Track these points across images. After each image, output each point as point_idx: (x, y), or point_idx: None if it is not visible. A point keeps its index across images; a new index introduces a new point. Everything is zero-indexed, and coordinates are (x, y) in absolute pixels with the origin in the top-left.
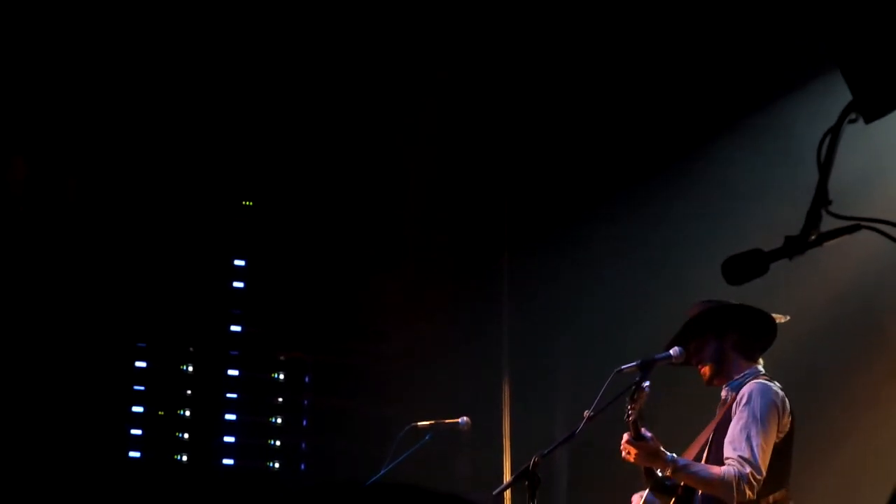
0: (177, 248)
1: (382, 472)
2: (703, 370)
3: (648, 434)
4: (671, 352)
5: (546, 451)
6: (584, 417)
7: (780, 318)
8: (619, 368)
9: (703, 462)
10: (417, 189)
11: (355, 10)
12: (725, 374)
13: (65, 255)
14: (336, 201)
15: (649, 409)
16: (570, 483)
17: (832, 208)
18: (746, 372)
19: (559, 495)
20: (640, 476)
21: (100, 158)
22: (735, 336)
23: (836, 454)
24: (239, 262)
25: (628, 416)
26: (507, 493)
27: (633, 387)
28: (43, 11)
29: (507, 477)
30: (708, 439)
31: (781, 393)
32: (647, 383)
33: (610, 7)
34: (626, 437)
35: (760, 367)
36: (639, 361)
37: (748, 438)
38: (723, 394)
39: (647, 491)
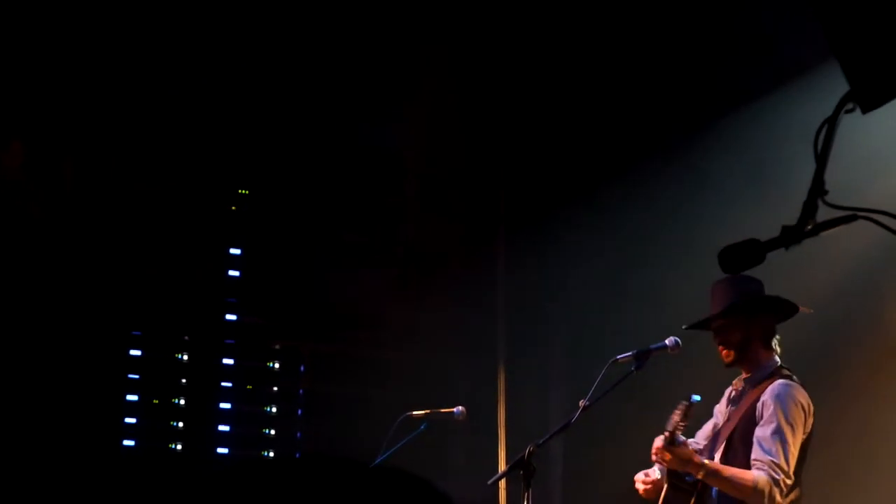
0: (172, 237)
1: (378, 461)
2: (724, 351)
3: (682, 438)
4: (666, 342)
5: (541, 441)
6: (579, 407)
7: (805, 310)
8: (614, 358)
9: (720, 455)
10: (412, 175)
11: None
12: (747, 361)
13: (60, 243)
14: (331, 189)
15: (636, 399)
16: (565, 472)
17: (829, 198)
18: (766, 364)
19: (554, 485)
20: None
21: (97, 147)
22: (763, 326)
23: (831, 447)
24: (234, 251)
25: (674, 429)
26: (503, 483)
27: (687, 403)
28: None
29: (503, 466)
30: (729, 437)
31: (807, 394)
32: (697, 398)
33: None
34: (658, 441)
35: (778, 359)
36: (635, 351)
37: (781, 443)
38: (738, 384)
39: (664, 486)
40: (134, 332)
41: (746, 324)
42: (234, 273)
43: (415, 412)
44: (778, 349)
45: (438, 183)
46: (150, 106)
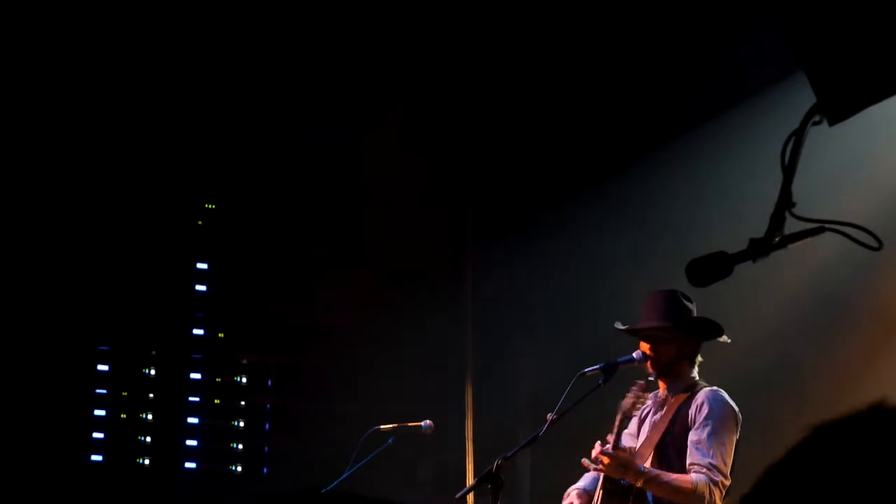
0: (139, 252)
1: (344, 475)
2: (651, 361)
3: (623, 444)
4: (634, 355)
5: (509, 454)
6: (547, 420)
7: (724, 339)
8: (582, 371)
9: (649, 464)
10: (377, 187)
11: (313, 8)
12: (672, 375)
13: (27, 257)
14: (298, 203)
15: (604, 411)
16: (533, 486)
17: (796, 210)
18: (688, 378)
19: (522, 498)
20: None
21: (64, 160)
22: (694, 346)
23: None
24: (201, 266)
25: (626, 410)
26: (471, 496)
27: (644, 382)
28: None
29: (471, 480)
30: (660, 444)
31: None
32: (652, 378)
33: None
34: (598, 445)
35: (696, 374)
36: (602, 364)
37: (717, 446)
38: (661, 393)
39: (599, 491)
40: (101, 347)
41: (681, 342)
42: (200, 287)
43: (382, 426)
44: (697, 369)
45: (406, 195)
46: (116, 119)
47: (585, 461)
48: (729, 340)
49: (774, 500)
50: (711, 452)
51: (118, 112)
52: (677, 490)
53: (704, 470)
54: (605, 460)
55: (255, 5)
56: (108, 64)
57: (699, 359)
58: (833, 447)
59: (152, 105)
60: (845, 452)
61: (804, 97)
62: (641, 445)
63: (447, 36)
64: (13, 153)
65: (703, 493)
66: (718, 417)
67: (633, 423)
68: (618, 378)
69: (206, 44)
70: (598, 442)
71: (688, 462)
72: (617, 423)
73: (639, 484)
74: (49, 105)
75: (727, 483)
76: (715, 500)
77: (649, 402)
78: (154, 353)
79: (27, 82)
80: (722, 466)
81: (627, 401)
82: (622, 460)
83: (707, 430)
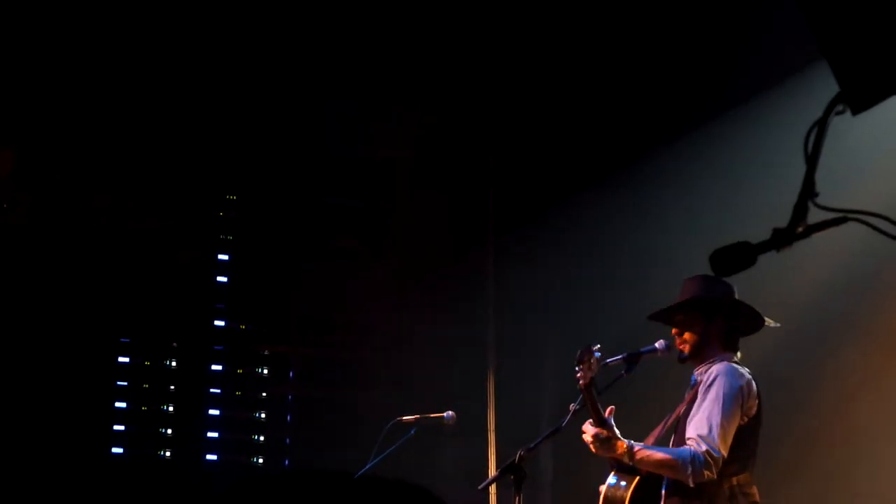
0: (160, 243)
1: (367, 466)
2: (681, 346)
3: (610, 422)
4: (657, 345)
5: (532, 445)
6: (569, 411)
7: (770, 323)
8: (605, 362)
9: (670, 444)
10: (402, 181)
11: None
12: (702, 357)
13: (49, 251)
14: (319, 195)
15: (627, 401)
16: (555, 476)
17: (819, 200)
18: (720, 358)
19: (545, 489)
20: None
21: (86, 154)
22: (722, 325)
23: (814, 454)
24: (223, 257)
25: (579, 383)
26: (493, 487)
27: (581, 351)
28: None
29: (493, 471)
30: (675, 421)
31: (748, 376)
32: (597, 345)
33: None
34: (587, 424)
35: (736, 357)
36: (624, 354)
37: (708, 417)
38: (694, 376)
39: (611, 474)
40: (122, 339)
41: (704, 322)
42: (222, 279)
43: (404, 417)
44: (739, 353)
45: (427, 189)
46: (139, 114)
47: (582, 435)
48: (776, 324)
49: None
50: (702, 424)
51: (139, 105)
52: (661, 463)
53: (692, 442)
54: (587, 439)
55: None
56: (129, 57)
57: (737, 348)
58: None
59: (173, 97)
60: None
61: (827, 86)
62: (661, 426)
63: (470, 31)
64: (38, 146)
65: (684, 462)
66: (717, 390)
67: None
68: (641, 367)
69: (225, 42)
70: (589, 421)
71: (686, 436)
72: (586, 401)
73: (626, 460)
74: (72, 99)
75: (716, 455)
76: (701, 472)
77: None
78: (175, 344)
79: (54, 76)
80: (710, 439)
81: (579, 375)
82: (602, 438)
83: (705, 403)
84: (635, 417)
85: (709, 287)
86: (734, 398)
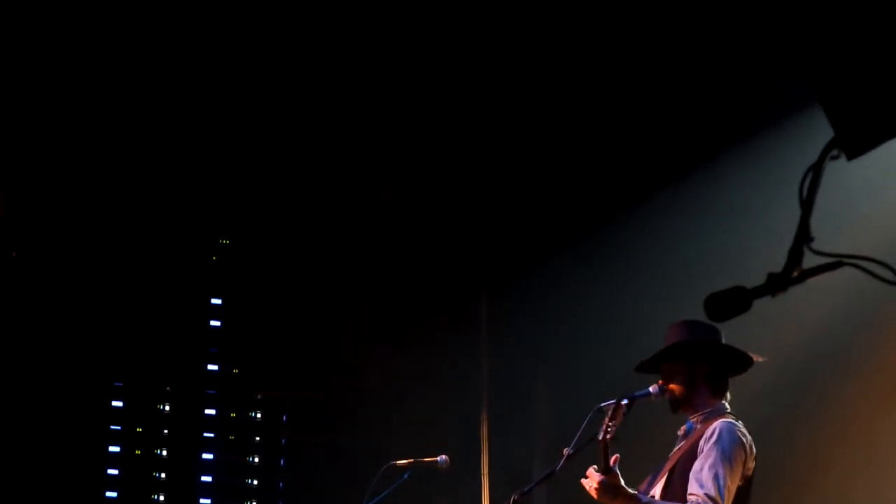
0: (153, 287)
1: None
2: (669, 396)
3: (615, 470)
4: (650, 389)
5: (526, 489)
6: (563, 455)
7: (757, 358)
8: (598, 406)
9: (659, 490)
10: (393, 224)
11: (325, 39)
12: (692, 405)
13: (42, 294)
14: (311, 238)
15: (619, 446)
16: None
17: (814, 245)
18: (713, 408)
19: None
20: None
21: (80, 196)
22: (706, 369)
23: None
24: (216, 301)
25: (604, 436)
26: None
27: (613, 405)
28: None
29: None
30: (670, 472)
31: (749, 436)
32: (625, 401)
33: (589, 36)
34: (592, 469)
35: (727, 405)
36: (618, 399)
37: (716, 477)
38: (685, 426)
39: None
40: (116, 384)
41: (688, 368)
42: (215, 323)
43: (398, 461)
44: (729, 396)
45: (421, 230)
46: (133, 155)
47: (583, 481)
48: (761, 359)
49: None
50: (710, 484)
51: (132, 147)
52: None
53: (701, 500)
54: (592, 485)
55: (272, 38)
56: (123, 96)
57: (727, 391)
58: None
59: (168, 142)
60: None
61: (821, 131)
62: (657, 477)
63: (458, 79)
64: (31, 188)
65: None
66: (723, 449)
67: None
68: (635, 412)
69: (220, 75)
70: (593, 467)
71: (687, 492)
72: (601, 450)
73: None
74: (65, 139)
75: None
76: None
77: (679, 437)
78: (168, 388)
79: (46, 115)
80: (717, 497)
81: (601, 431)
82: (609, 486)
83: (709, 461)
84: (627, 462)
85: (691, 331)
86: (738, 458)
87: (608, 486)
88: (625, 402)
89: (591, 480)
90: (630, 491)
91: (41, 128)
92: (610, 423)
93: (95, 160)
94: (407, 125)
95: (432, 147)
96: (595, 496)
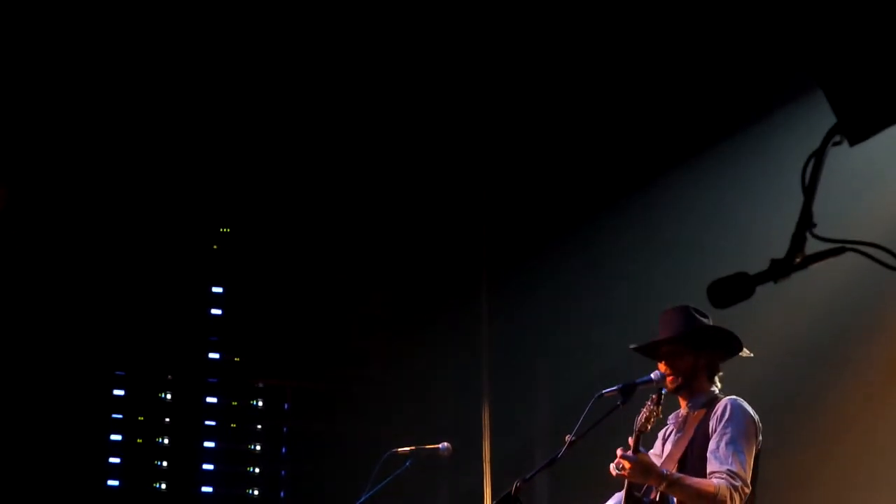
0: (154, 276)
1: (362, 499)
2: (669, 378)
3: (643, 450)
4: (652, 375)
5: (528, 476)
6: (565, 442)
7: (745, 353)
8: (600, 393)
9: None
10: (396, 213)
11: (326, 30)
12: (691, 391)
13: (42, 283)
14: (313, 226)
15: (620, 433)
16: None
17: (817, 231)
18: (708, 392)
19: None
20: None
21: (81, 185)
22: (710, 357)
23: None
24: (217, 289)
25: (640, 426)
26: None
27: (659, 395)
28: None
29: (489, 502)
30: (683, 454)
31: (756, 413)
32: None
33: (588, 34)
34: (620, 450)
35: (717, 390)
36: (620, 385)
37: (736, 453)
38: (682, 411)
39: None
40: (117, 372)
41: (695, 354)
42: (216, 311)
43: (399, 449)
44: (719, 385)
45: (422, 220)
46: (133, 145)
47: (612, 467)
48: (751, 354)
49: None
50: (730, 460)
51: (134, 137)
52: (700, 493)
53: (725, 475)
54: (627, 464)
55: (273, 34)
56: (123, 88)
57: (720, 374)
58: None
59: (168, 132)
60: None
61: (824, 116)
62: (663, 463)
63: (459, 74)
64: (33, 180)
65: (725, 497)
66: (737, 425)
67: (658, 444)
68: (636, 399)
69: (220, 65)
70: (621, 448)
71: (708, 471)
72: (633, 439)
73: (662, 487)
74: (66, 131)
75: (747, 490)
76: None
77: (670, 423)
78: (170, 377)
79: (47, 107)
80: (741, 473)
81: (641, 416)
82: (644, 464)
83: (725, 437)
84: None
85: (692, 318)
86: (752, 434)
87: (643, 466)
88: (665, 391)
89: (624, 461)
90: (662, 469)
91: (42, 119)
92: (654, 409)
93: (96, 151)
94: (409, 118)
95: (435, 138)
96: (627, 476)
